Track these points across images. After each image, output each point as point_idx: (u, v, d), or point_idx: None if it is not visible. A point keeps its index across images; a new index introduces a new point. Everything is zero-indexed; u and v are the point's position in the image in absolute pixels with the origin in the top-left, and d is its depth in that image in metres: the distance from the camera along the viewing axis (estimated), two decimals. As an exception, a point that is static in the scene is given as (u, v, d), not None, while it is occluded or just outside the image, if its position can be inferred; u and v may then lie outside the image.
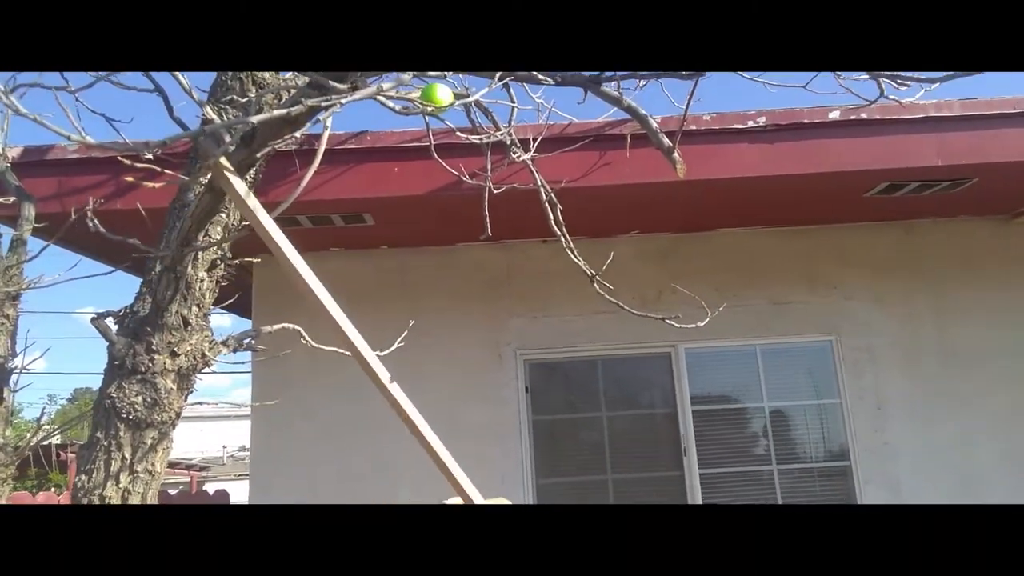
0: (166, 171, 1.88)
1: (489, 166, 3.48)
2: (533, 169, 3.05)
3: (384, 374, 1.74)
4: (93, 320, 2.10)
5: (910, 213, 5.20)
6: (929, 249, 5.38)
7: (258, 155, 1.45)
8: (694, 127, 4.03)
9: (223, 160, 1.41)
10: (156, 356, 2.08)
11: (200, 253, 2.12)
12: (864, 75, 2.27)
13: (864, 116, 4.05)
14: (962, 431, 5.08)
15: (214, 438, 27.92)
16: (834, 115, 4.07)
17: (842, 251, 5.38)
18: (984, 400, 5.13)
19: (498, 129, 3.12)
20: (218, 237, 2.16)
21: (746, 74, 2.98)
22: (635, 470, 5.14)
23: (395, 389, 1.76)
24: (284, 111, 0.93)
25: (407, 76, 0.89)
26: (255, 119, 0.91)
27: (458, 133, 3.27)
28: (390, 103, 1.87)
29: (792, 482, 5.10)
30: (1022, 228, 5.39)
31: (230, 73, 2.53)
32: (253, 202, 1.51)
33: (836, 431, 5.18)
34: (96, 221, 1.81)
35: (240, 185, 1.48)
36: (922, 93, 2.92)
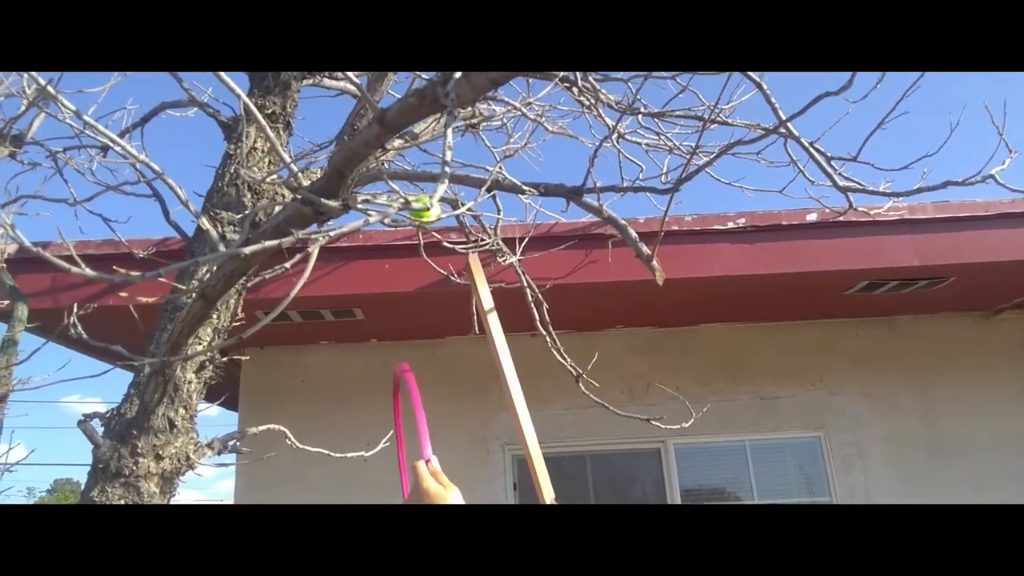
0: (159, 279, 1.92)
1: (477, 265, 3.56)
2: (520, 271, 3.13)
3: (543, 470, 1.86)
4: (80, 423, 2.11)
5: (892, 309, 5.30)
6: (912, 344, 5.46)
7: (249, 268, 1.51)
8: (676, 227, 4.14)
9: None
10: (141, 459, 2.09)
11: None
12: (833, 187, 2.38)
13: (841, 218, 4.17)
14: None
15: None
16: (811, 217, 4.20)
17: (827, 346, 5.44)
18: (972, 495, 5.10)
19: (486, 231, 3.21)
20: (208, 340, 2.20)
21: (723, 180, 3.11)
22: (625, 570, 5.03)
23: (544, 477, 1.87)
24: (276, 242, 0.99)
25: (393, 208, 0.95)
26: (246, 250, 0.97)
27: (445, 244, 3.36)
28: (377, 217, 1.95)
29: (785, 582, 4.99)
30: (1002, 324, 5.49)
31: (226, 179, 2.63)
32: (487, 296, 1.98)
33: (827, 529, 5.11)
34: (80, 327, 1.85)
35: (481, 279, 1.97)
36: (889, 204, 3.06)
